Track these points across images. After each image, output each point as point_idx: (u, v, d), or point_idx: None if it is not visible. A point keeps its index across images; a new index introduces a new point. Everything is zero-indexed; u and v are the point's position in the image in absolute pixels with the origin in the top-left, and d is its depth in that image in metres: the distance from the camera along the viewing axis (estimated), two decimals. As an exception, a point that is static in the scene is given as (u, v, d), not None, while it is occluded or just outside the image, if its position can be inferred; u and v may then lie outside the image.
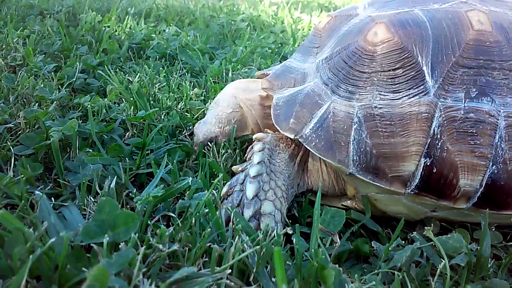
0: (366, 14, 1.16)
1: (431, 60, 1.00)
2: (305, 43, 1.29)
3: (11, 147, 1.16)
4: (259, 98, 1.32)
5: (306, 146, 1.02)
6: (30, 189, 1.04)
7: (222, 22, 3.47)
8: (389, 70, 1.01)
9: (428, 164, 0.95)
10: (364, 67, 1.03)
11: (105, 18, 2.93)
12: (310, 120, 1.04)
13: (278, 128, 1.08)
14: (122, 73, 1.97)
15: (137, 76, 1.88)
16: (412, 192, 0.97)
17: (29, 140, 1.20)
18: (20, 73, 1.74)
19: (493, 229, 1.08)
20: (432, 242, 0.94)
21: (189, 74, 2.12)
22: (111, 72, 1.86)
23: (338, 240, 0.89)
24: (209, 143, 1.28)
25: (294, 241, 0.86)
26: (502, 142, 0.97)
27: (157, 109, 1.51)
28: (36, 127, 1.31)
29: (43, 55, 2.07)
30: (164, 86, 1.85)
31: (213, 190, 1.01)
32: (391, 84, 1.00)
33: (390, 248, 0.91)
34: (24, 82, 1.60)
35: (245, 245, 0.84)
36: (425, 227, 0.92)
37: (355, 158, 0.98)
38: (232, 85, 1.39)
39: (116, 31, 2.72)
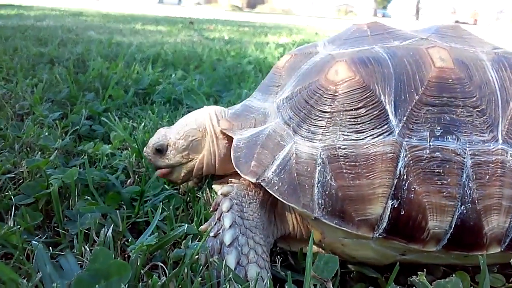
0: (326, 52, 1.13)
1: (393, 98, 0.98)
2: (265, 81, 1.25)
3: (12, 196, 1.18)
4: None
5: (268, 190, 0.98)
6: (29, 238, 1.05)
7: (228, 65, 3.53)
8: (352, 110, 0.98)
9: (395, 206, 0.93)
10: (325, 107, 1.00)
11: (113, 65, 3.00)
12: (272, 162, 1.00)
13: (238, 171, 1.03)
14: (127, 119, 2.00)
15: (142, 122, 1.91)
16: (380, 236, 0.94)
17: (30, 189, 1.22)
18: (26, 122, 1.78)
19: (495, 271, 1.07)
20: (432, 287, 0.93)
21: (193, 119, 2.15)
22: (115, 119, 1.90)
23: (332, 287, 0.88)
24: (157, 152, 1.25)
25: (286, 289, 0.85)
26: (470, 181, 0.95)
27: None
28: (38, 175, 1.33)
29: (50, 103, 2.12)
30: (167, 131, 1.87)
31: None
32: (354, 124, 0.97)
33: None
34: (30, 131, 1.64)
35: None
36: (419, 273, 0.91)
37: (320, 201, 0.94)
38: (210, 107, 1.33)
39: (123, 77, 2.78)
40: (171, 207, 1.17)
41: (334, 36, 1.23)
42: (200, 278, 0.84)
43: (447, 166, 0.94)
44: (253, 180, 1.00)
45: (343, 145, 0.96)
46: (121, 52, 3.57)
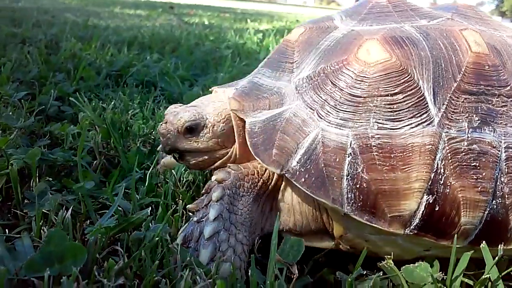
0: (347, 27, 1.05)
1: (432, 85, 0.91)
2: (275, 56, 1.12)
3: (-32, 177, 1.13)
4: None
5: (294, 182, 0.89)
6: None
7: (206, 50, 3.48)
8: (387, 95, 0.89)
9: (430, 202, 0.87)
10: (357, 90, 0.91)
11: (86, 46, 2.92)
12: (296, 150, 0.90)
13: (259, 160, 0.93)
14: (97, 100, 1.94)
15: (111, 103, 1.85)
16: (411, 233, 0.88)
17: (-12, 169, 1.16)
18: (-10, 101, 1.71)
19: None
20: (400, 271, 0.91)
21: (166, 101, 2.11)
22: (85, 100, 1.84)
23: (296, 271, 0.84)
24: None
25: (249, 273, 0.82)
26: (502, 175, 0.91)
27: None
28: (-2, 156, 1.27)
29: (18, 83, 2.05)
30: (138, 112, 1.82)
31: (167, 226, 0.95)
32: (390, 111, 0.89)
33: (351, 279, 0.86)
34: (-8, 110, 1.57)
35: (197, 277, 0.79)
36: (386, 257, 0.88)
37: (349, 195, 0.86)
38: (218, 88, 1.15)
39: (97, 58, 2.71)
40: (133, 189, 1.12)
41: (347, 9, 1.14)
42: (158, 262, 0.80)
43: (483, 160, 0.90)
44: (277, 172, 0.91)
45: (378, 134, 0.89)
46: (96, 34, 3.49)
